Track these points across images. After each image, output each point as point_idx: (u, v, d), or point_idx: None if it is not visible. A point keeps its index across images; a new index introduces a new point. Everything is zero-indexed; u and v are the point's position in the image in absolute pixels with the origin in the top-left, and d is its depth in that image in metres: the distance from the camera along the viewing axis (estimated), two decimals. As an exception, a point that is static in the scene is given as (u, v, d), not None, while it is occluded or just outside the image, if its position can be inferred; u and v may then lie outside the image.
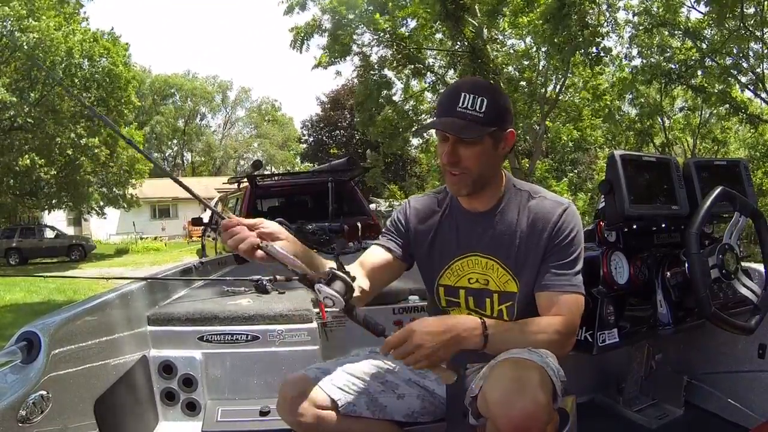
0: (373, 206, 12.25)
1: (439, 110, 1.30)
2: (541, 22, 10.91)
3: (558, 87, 13.87)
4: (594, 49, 10.60)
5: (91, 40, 16.14)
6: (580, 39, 10.08)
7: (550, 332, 1.24)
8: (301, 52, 13.74)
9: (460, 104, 1.24)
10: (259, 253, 1.19)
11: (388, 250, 1.44)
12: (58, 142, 15.75)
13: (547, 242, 1.30)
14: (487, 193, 1.36)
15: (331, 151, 27.24)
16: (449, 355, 1.17)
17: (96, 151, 16.73)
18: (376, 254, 1.44)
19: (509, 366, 1.11)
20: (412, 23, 13.34)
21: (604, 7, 11.71)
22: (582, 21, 10.10)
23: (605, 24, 12.51)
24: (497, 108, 1.26)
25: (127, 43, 18.18)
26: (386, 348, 1.15)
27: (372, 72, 14.20)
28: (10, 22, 14.52)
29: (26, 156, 15.37)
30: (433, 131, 1.42)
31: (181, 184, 1.34)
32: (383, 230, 1.50)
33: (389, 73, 14.61)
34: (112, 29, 18.25)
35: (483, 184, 1.33)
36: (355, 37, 13.80)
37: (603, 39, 10.89)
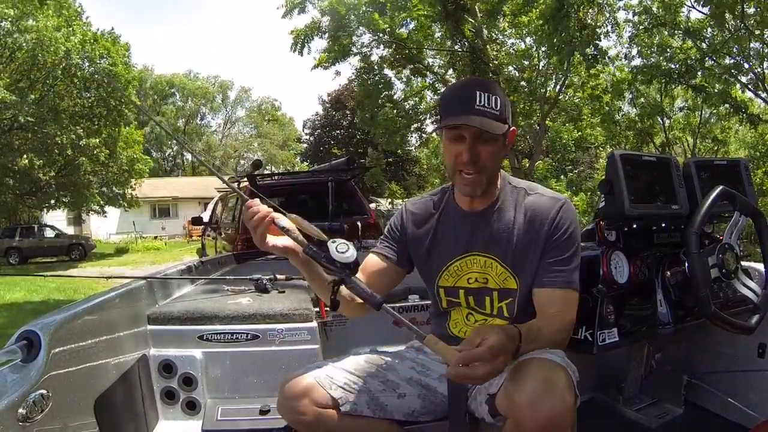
0: (373, 206, 12.26)
1: (454, 108, 1.26)
2: (540, 22, 10.92)
3: (558, 87, 13.87)
4: (592, 50, 10.61)
5: (92, 41, 16.11)
6: (578, 40, 10.09)
7: (559, 332, 1.25)
8: (302, 55, 13.78)
9: (478, 102, 1.24)
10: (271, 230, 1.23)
11: (385, 257, 1.44)
12: (57, 142, 15.73)
13: (546, 238, 1.31)
14: (486, 192, 1.36)
15: (333, 151, 27.25)
16: None
17: (96, 151, 16.72)
18: (373, 262, 1.45)
19: (536, 366, 1.10)
20: (412, 24, 13.35)
21: (601, 9, 11.71)
22: (581, 22, 10.11)
23: (605, 24, 12.51)
24: (507, 106, 1.29)
25: (127, 43, 18.17)
26: (466, 360, 1.01)
27: (372, 73, 14.23)
28: (5, 22, 14.52)
29: (24, 156, 15.35)
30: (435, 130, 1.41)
31: (236, 190, 1.39)
32: (381, 237, 1.51)
33: (389, 73, 14.66)
34: (112, 29, 18.25)
35: (492, 182, 1.34)
36: (354, 38, 13.83)
37: (600, 40, 10.91)
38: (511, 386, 1.10)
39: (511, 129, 1.32)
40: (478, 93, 1.24)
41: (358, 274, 1.38)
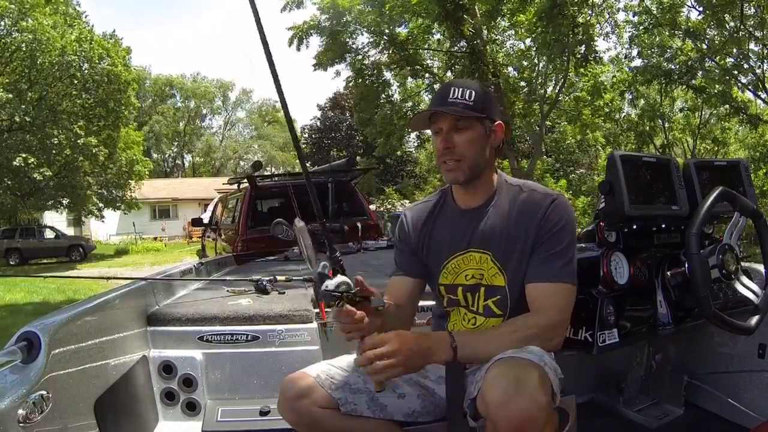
0: (373, 207, 12.25)
1: (432, 105, 1.36)
2: (534, 20, 10.99)
3: (558, 87, 13.86)
4: (581, 49, 10.64)
5: (88, 40, 16.06)
6: (569, 39, 10.16)
7: (530, 328, 1.23)
8: (299, 50, 13.87)
9: (451, 96, 1.32)
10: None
11: (408, 275, 1.46)
12: (56, 142, 15.71)
13: (536, 232, 1.31)
14: (481, 189, 1.38)
15: (334, 151, 27.26)
16: (419, 365, 1.20)
17: (95, 150, 16.68)
18: (399, 287, 1.45)
19: (507, 366, 1.11)
20: (410, 23, 13.39)
21: (599, 9, 11.74)
22: (573, 21, 10.18)
23: (605, 25, 12.53)
24: (485, 99, 1.34)
25: (128, 48, 18.15)
26: (365, 347, 1.15)
27: (368, 74, 14.28)
28: (6, 20, 14.53)
29: (20, 156, 15.28)
30: (428, 132, 1.46)
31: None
32: (394, 255, 1.52)
33: (387, 74, 14.70)
34: (114, 31, 18.26)
35: (477, 173, 1.35)
36: (352, 39, 13.90)
37: (594, 40, 10.93)
38: (484, 388, 1.10)
39: (497, 122, 1.36)
40: (452, 89, 1.33)
41: (385, 298, 1.41)
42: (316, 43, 14.21)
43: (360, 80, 14.44)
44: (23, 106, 14.75)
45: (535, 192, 1.36)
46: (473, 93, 1.32)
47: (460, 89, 1.32)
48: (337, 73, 15.44)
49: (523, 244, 1.32)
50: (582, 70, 11.95)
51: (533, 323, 1.25)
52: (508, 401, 1.04)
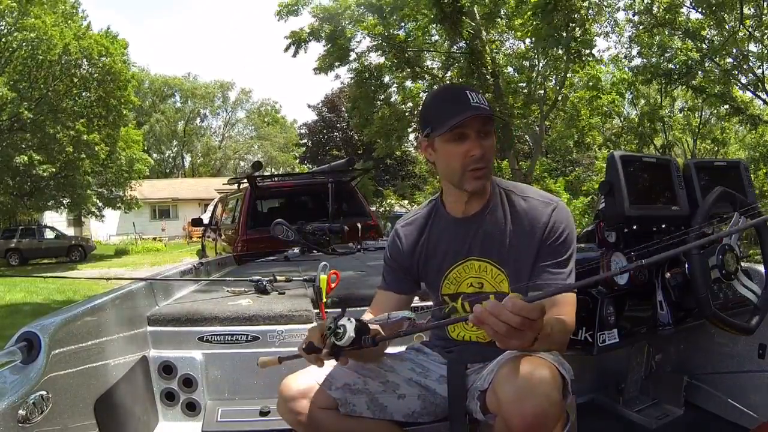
0: (373, 207, 12.27)
1: (454, 110, 1.27)
2: (530, 14, 11.03)
3: (559, 88, 13.85)
4: (576, 45, 10.68)
5: (87, 37, 16.03)
6: (563, 34, 10.20)
7: (567, 331, 1.24)
8: (294, 56, 14.01)
9: (472, 101, 1.27)
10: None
11: (392, 290, 1.46)
12: (57, 139, 15.69)
13: (540, 243, 1.30)
14: (478, 195, 1.36)
15: (333, 152, 27.28)
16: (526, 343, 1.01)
17: (96, 148, 16.66)
18: (385, 302, 1.46)
19: (521, 363, 1.10)
20: (409, 24, 13.43)
21: (597, 7, 11.76)
22: (568, 17, 10.21)
23: (605, 24, 12.55)
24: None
25: (125, 40, 18.12)
26: (514, 307, 0.96)
27: (368, 76, 14.32)
28: (7, 18, 14.55)
29: (24, 154, 15.28)
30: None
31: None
32: (383, 274, 1.50)
33: (386, 78, 14.76)
34: (108, 27, 18.24)
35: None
36: (353, 43, 13.98)
37: (589, 36, 10.95)
38: (497, 383, 1.11)
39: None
40: (468, 92, 1.29)
41: (371, 317, 1.40)
42: (314, 48, 14.44)
43: (359, 82, 14.48)
44: (25, 104, 14.74)
45: (533, 200, 1.35)
46: (484, 97, 1.32)
47: (476, 94, 1.30)
48: (337, 77, 15.56)
49: (527, 254, 1.31)
50: (576, 66, 11.92)
51: (568, 327, 1.25)
52: (522, 398, 1.04)
